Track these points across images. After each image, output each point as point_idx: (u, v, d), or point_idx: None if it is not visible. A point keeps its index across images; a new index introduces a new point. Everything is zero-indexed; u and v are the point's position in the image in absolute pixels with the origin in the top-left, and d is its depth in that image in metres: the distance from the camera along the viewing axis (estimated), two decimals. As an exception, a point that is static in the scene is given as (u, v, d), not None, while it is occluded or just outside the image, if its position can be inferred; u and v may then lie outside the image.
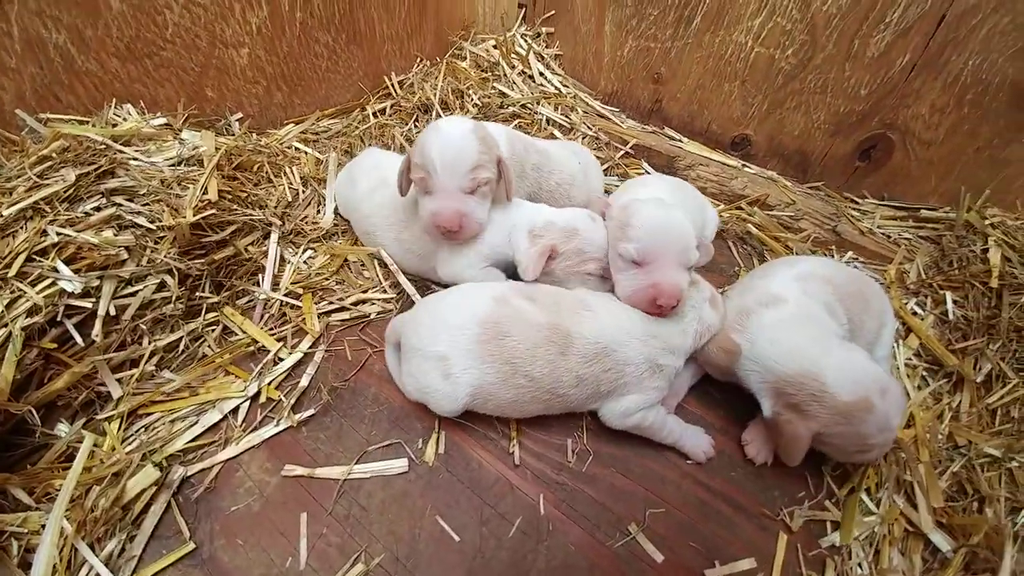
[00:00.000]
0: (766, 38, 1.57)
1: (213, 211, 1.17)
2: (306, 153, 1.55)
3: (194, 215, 1.13)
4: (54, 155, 1.07)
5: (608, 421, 1.05)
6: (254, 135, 1.52)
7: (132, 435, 1.03)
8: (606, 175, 1.75)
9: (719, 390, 1.20)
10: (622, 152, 1.81)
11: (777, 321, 1.05)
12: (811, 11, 1.48)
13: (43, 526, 0.86)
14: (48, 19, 1.14)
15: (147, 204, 1.13)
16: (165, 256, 1.11)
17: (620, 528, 0.98)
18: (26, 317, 0.93)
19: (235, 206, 1.25)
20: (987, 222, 1.48)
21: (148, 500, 0.93)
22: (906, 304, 1.44)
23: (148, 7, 1.26)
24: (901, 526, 1.05)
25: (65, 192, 1.03)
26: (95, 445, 0.97)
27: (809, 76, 1.56)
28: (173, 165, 1.22)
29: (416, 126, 1.75)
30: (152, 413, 1.07)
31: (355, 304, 1.27)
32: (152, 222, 1.11)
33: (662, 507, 1.01)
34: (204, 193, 1.18)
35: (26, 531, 0.86)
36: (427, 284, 1.34)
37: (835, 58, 1.51)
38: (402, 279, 1.29)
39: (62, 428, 0.99)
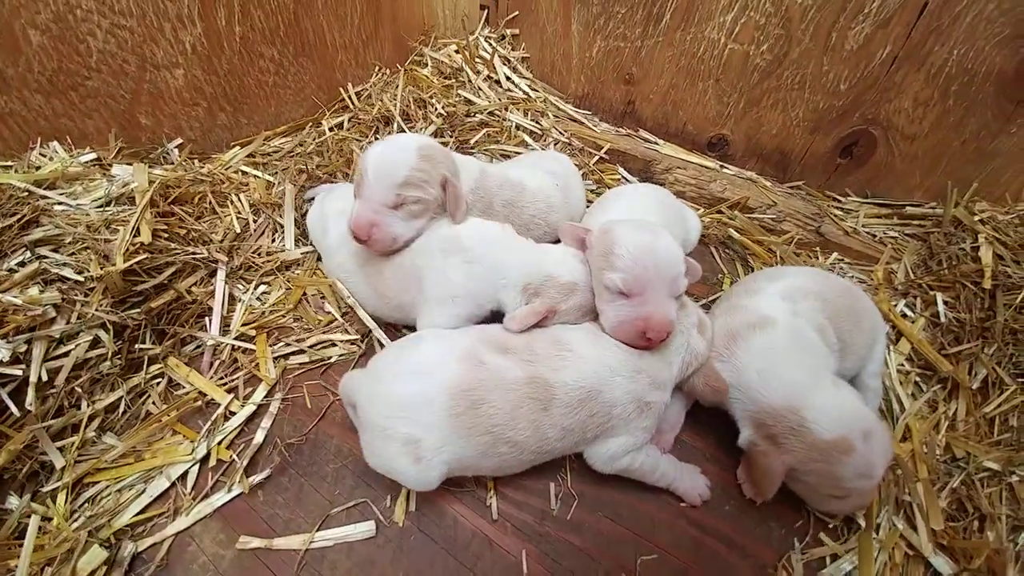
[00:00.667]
0: (739, 34, 1.50)
1: (147, 254, 1.07)
2: (256, 177, 1.44)
3: (125, 260, 1.03)
4: (-30, 208, 0.96)
5: (595, 465, 0.98)
6: (196, 161, 1.41)
7: (80, 507, 0.95)
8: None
9: (708, 415, 1.13)
10: (596, 158, 1.74)
11: (767, 349, 0.99)
12: (785, 4, 1.41)
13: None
14: (-34, 64, 1.04)
15: (74, 253, 1.04)
16: (96, 309, 1.01)
17: (610, 581, 0.91)
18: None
19: (173, 245, 1.15)
20: (976, 217, 1.44)
21: None
22: (895, 306, 1.40)
23: (70, 37, 1.17)
24: (901, 550, 1.01)
25: (-13, 249, 0.92)
26: (45, 519, 0.91)
27: (785, 72, 1.50)
28: (101, 206, 1.11)
29: (376, 138, 1.64)
30: (98, 482, 0.98)
31: (315, 347, 1.18)
32: (80, 273, 1.01)
33: (654, 553, 0.95)
34: (136, 235, 1.08)
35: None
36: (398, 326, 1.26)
37: (812, 52, 1.45)
38: (364, 316, 1.19)
39: (12, 501, 0.92)
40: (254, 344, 1.16)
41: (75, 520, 0.92)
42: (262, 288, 1.28)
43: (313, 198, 1.41)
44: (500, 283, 1.08)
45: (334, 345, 1.19)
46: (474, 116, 1.75)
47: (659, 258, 0.96)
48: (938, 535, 1.02)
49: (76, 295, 1.01)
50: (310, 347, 1.17)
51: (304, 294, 1.28)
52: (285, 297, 1.26)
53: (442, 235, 1.12)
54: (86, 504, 0.95)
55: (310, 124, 1.67)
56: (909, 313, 1.40)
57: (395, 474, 0.89)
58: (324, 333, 1.19)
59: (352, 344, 1.19)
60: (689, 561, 0.95)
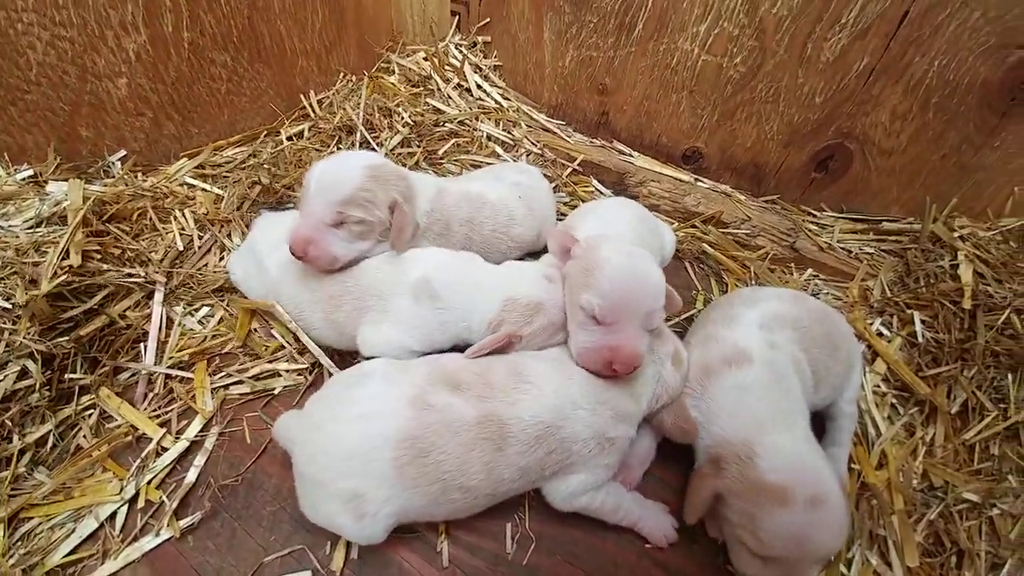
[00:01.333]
0: (713, 44, 1.46)
1: (74, 278, 1.01)
2: (203, 190, 1.38)
3: (51, 286, 0.97)
4: None
5: (553, 502, 0.93)
6: (139, 175, 1.35)
7: (16, 542, 0.90)
8: (554, 193, 1.62)
9: (678, 447, 1.08)
10: (569, 170, 1.69)
11: (740, 387, 0.95)
12: (759, 14, 1.38)
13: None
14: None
15: (1, 279, 0.97)
16: (24, 338, 0.95)
17: (566, 631, 0.86)
18: None
19: (106, 266, 1.09)
20: (955, 234, 1.41)
21: None
22: (871, 324, 1.37)
23: (9, 51, 1.12)
24: (875, 588, 0.97)
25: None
26: None
27: (760, 84, 1.47)
28: (32, 227, 1.05)
29: (338, 149, 1.59)
30: (31, 518, 0.93)
31: (258, 377, 1.12)
32: (7, 299, 0.95)
33: (614, 600, 0.90)
34: (65, 258, 1.01)
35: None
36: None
37: (787, 64, 1.42)
38: (311, 345, 1.12)
39: None
40: (192, 373, 1.10)
41: (11, 556, 0.88)
42: (204, 311, 1.21)
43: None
44: (463, 326, 1.04)
45: (279, 375, 1.12)
46: (443, 125, 1.70)
47: (640, 289, 0.92)
48: (913, 572, 0.98)
49: (4, 323, 0.95)
50: (252, 377, 1.11)
51: (251, 319, 1.21)
52: (231, 322, 1.19)
53: (416, 279, 1.05)
54: (20, 541, 0.91)
55: (266, 133, 1.60)
56: (885, 332, 1.37)
57: (336, 529, 0.84)
58: (270, 363, 1.13)
59: (299, 375, 1.13)
60: (650, 605, 0.90)
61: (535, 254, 1.36)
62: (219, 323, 1.19)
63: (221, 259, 1.30)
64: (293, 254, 1.03)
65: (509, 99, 1.86)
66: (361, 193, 1.03)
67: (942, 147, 1.41)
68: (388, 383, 0.88)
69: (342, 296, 1.06)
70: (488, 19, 1.86)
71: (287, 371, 1.13)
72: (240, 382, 1.10)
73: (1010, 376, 1.20)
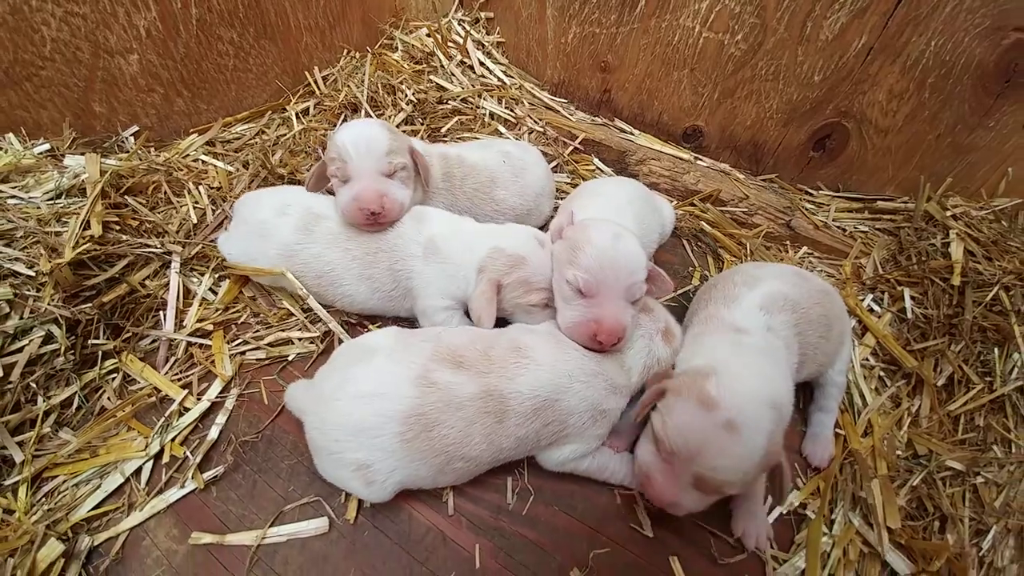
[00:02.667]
0: (714, 22, 1.51)
1: (96, 247, 1.08)
2: (215, 167, 1.44)
3: (74, 255, 1.04)
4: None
5: (545, 465, 1.02)
6: (152, 150, 1.41)
7: (40, 499, 0.98)
8: (555, 172, 1.69)
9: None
10: (571, 148, 1.75)
11: (732, 342, 1.00)
12: (760, -9, 1.42)
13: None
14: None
15: (25, 248, 1.05)
16: (49, 304, 1.02)
17: (563, 575, 0.95)
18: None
19: (125, 237, 1.16)
20: (948, 213, 1.47)
21: (60, 570, 0.89)
22: (862, 300, 1.44)
23: (24, 27, 1.17)
24: (857, 547, 1.04)
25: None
26: (8, 511, 0.94)
27: (760, 62, 1.52)
28: (52, 199, 1.12)
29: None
30: (56, 476, 1.00)
31: (272, 344, 1.19)
32: (31, 267, 1.03)
33: (607, 547, 0.99)
34: (86, 228, 1.09)
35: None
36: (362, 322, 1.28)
37: (787, 42, 1.47)
38: (321, 311, 1.20)
39: None
40: (210, 340, 1.18)
41: (34, 513, 0.95)
42: (217, 278, 1.28)
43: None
44: (462, 275, 1.13)
45: (292, 343, 1.20)
46: (446, 103, 1.75)
47: (619, 262, 0.99)
48: (895, 533, 1.04)
49: (28, 290, 1.02)
50: (268, 344, 1.19)
51: (245, 286, 1.29)
52: (233, 289, 1.27)
53: (423, 239, 1.17)
54: (44, 498, 0.98)
55: (272, 110, 1.66)
56: (876, 308, 1.44)
57: (347, 490, 0.94)
58: (282, 331, 1.21)
59: (311, 343, 1.21)
60: (642, 553, 0.99)
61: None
62: (224, 294, 1.26)
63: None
64: (370, 215, 1.12)
65: (512, 76, 1.90)
66: (394, 143, 1.17)
67: (937, 127, 1.46)
68: (392, 361, 0.94)
69: (377, 253, 1.16)
70: (491, -5, 1.90)
71: (299, 339, 1.20)
72: (256, 348, 1.18)
73: (996, 350, 1.27)
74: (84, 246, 1.07)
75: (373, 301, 1.19)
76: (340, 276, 1.16)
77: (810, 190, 1.67)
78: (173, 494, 0.99)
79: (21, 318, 1.00)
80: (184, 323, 1.20)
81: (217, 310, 1.23)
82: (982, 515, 1.11)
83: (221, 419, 1.07)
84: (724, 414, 0.82)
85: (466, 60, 1.88)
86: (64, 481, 1.00)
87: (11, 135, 1.23)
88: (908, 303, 1.39)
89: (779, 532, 1.04)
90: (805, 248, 1.57)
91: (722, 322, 1.07)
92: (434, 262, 1.15)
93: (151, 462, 1.03)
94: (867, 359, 1.35)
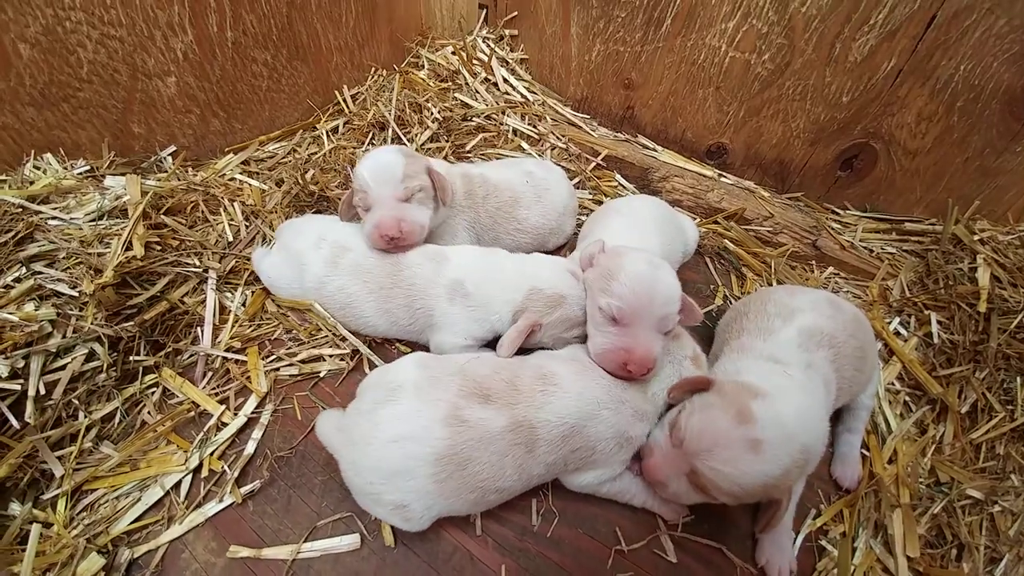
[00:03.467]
0: (741, 42, 1.52)
1: (138, 266, 1.13)
2: (249, 185, 1.49)
3: (116, 275, 1.10)
4: (-34, 224, 1.03)
5: (569, 487, 1.06)
6: (189, 169, 1.47)
7: (79, 514, 1.02)
8: (578, 189, 1.72)
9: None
10: (593, 164, 1.78)
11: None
12: (789, 12, 1.44)
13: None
14: (-43, 80, 1.09)
15: (67, 268, 1.10)
16: (91, 323, 1.08)
17: (585, 597, 0.98)
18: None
19: (166, 255, 1.21)
20: (976, 237, 1.47)
21: None
22: (888, 324, 1.44)
23: (60, 49, 1.21)
24: (877, 573, 1.06)
25: (-18, 268, 0.99)
26: (46, 525, 0.98)
27: (787, 82, 1.53)
28: (94, 220, 1.17)
29: (373, 145, 1.69)
30: (96, 489, 1.05)
31: (306, 361, 1.24)
32: (74, 287, 1.08)
33: (630, 571, 1.02)
34: (128, 248, 1.14)
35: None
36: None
37: (815, 63, 1.48)
38: (351, 338, 1.26)
39: (14, 508, 0.99)
40: (245, 356, 1.23)
41: (74, 527, 0.99)
42: (248, 295, 1.34)
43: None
44: (494, 319, 1.16)
45: (324, 360, 1.25)
46: (471, 120, 1.79)
47: (655, 294, 1.01)
48: (914, 561, 1.06)
49: (71, 310, 1.07)
50: (300, 361, 1.24)
51: (268, 299, 1.34)
52: (260, 307, 1.32)
53: (447, 281, 1.18)
54: (84, 512, 1.02)
55: (303, 129, 1.71)
56: (903, 331, 1.44)
57: (388, 522, 0.99)
58: (314, 348, 1.26)
59: (341, 360, 1.26)
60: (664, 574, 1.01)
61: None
62: (250, 305, 1.31)
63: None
64: (390, 240, 1.17)
65: (535, 93, 1.93)
66: (409, 167, 1.22)
67: (965, 150, 1.47)
68: (420, 400, 0.94)
69: (392, 289, 1.19)
70: (515, 13, 1.93)
71: (330, 355, 1.25)
72: (290, 364, 1.23)
73: (1019, 379, 1.27)
74: (127, 267, 1.12)
75: (393, 332, 1.24)
76: (361, 308, 1.21)
77: (837, 209, 1.68)
78: (211, 508, 1.04)
79: (64, 337, 1.05)
80: (219, 339, 1.25)
81: (250, 326, 1.28)
82: (997, 543, 1.12)
83: (257, 434, 1.12)
84: (756, 433, 0.84)
85: (490, 77, 1.91)
86: (104, 494, 1.05)
87: (49, 155, 1.29)
88: (935, 328, 1.39)
89: (801, 561, 1.06)
90: (831, 268, 1.57)
91: (760, 354, 1.07)
92: (462, 305, 1.17)
93: (190, 476, 1.08)
94: (892, 383, 1.35)
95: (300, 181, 1.49)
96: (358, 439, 0.93)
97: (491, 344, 1.19)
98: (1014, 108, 1.37)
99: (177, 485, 1.07)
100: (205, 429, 1.12)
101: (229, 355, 1.22)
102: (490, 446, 0.92)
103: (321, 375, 1.23)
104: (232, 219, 1.42)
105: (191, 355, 1.23)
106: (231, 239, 1.37)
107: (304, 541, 1.00)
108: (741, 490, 0.86)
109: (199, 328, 1.25)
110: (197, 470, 1.09)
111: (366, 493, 0.93)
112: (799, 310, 1.13)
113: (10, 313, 0.99)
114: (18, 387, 0.97)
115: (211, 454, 1.09)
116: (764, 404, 0.88)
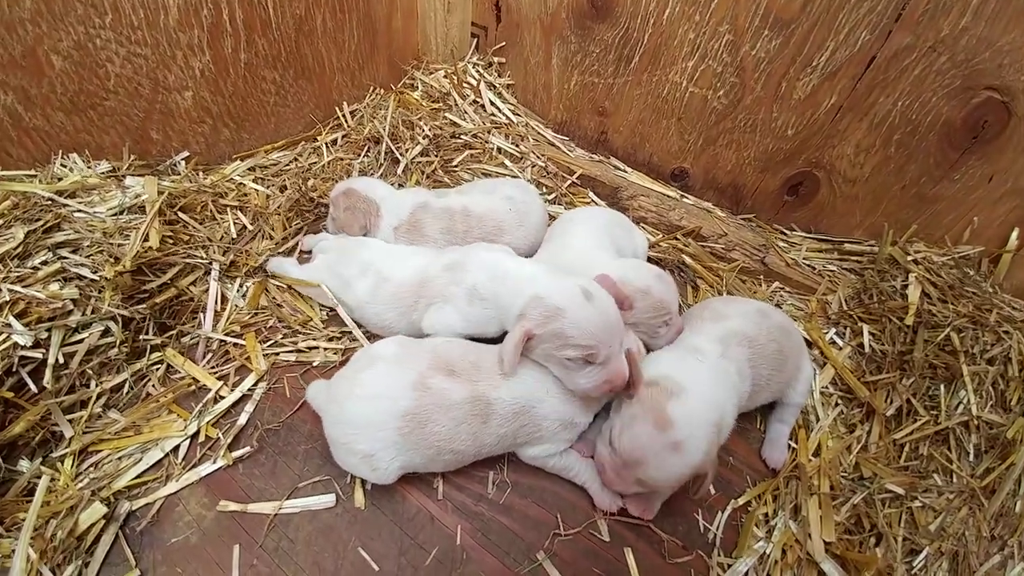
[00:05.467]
0: (699, 79, 1.72)
1: (153, 256, 1.31)
2: (256, 191, 1.68)
3: (134, 263, 1.27)
4: (4, 212, 1.20)
5: (520, 457, 1.22)
6: (200, 173, 1.66)
7: (84, 471, 1.16)
8: (553, 205, 1.90)
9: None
10: (568, 182, 1.97)
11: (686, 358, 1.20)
12: (740, 55, 1.63)
13: (13, 551, 0.99)
14: (-4, 84, 1.27)
15: (90, 255, 1.26)
16: (108, 304, 1.24)
17: (529, 555, 1.14)
18: (-14, 370, 1.06)
19: (177, 248, 1.39)
20: (910, 257, 1.63)
21: (99, 532, 1.07)
22: (825, 333, 1.61)
23: (90, 62, 1.38)
24: (795, 553, 1.19)
25: (15, 250, 1.16)
26: (52, 481, 1.11)
27: (739, 116, 1.72)
28: (116, 214, 1.35)
29: (367, 158, 1.89)
30: (101, 450, 1.20)
31: (302, 351, 1.41)
32: (95, 272, 1.24)
33: (570, 535, 1.17)
34: (145, 240, 1.32)
35: (-1, 556, 1.00)
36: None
37: (763, 100, 1.67)
38: (350, 323, 1.43)
39: (23, 464, 1.13)
40: (243, 340, 1.40)
41: (79, 482, 1.14)
42: (247, 286, 1.51)
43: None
44: (503, 317, 1.21)
45: (318, 350, 1.42)
46: (459, 138, 1.99)
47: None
48: (832, 545, 1.18)
49: (91, 291, 1.23)
50: (299, 349, 1.41)
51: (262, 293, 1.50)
52: (256, 295, 1.49)
53: (463, 290, 1.25)
54: (90, 468, 1.17)
55: (305, 140, 1.92)
56: (838, 341, 1.61)
57: (357, 475, 1.16)
58: (313, 340, 1.43)
59: (334, 353, 1.42)
60: (600, 543, 1.17)
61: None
62: (250, 297, 1.49)
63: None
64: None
65: (519, 115, 2.14)
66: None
67: (902, 179, 1.63)
68: (396, 366, 1.13)
69: (418, 301, 1.32)
70: (504, 43, 2.13)
71: (325, 349, 1.43)
72: (291, 351, 1.41)
73: (943, 387, 1.42)
74: (143, 256, 1.29)
75: (412, 331, 1.36)
76: (391, 325, 1.36)
77: (784, 230, 1.86)
78: (205, 469, 1.19)
79: (83, 315, 1.22)
80: (217, 325, 1.41)
81: (247, 313, 1.45)
82: (916, 536, 1.25)
83: (250, 407, 1.28)
84: (675, 436, 1.02)
85: (478, 100, 2.12)
86: (108, 455, 1.19)
87: (75, 155, 1.45)
88: (867, 339, 1.56)
89: (725, 538, 1.22)
90: (777, 283, 1.75)
91: (684, 346, 1.26)
92: (479, 306, 1.24)
93: (188, 441, 1.23)
94: (827, 387, 1.51)
95: (302, 188, 1.68)
96: (339, 396, 1.12)
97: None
98: (952, 139, 1.49)
99: (176, 448, 1.22)
100: (203, 401, 1.28)
101: (228, 338, 1.39)
102: (449, 412, 1.09)
103: (314, 364, 1.39)
104: (237, 219, 1.60)
105: (194, 338, 1.39)
106: (235, 236, 1.55)
107: (286, 499, 1.16)
108: (677, 482, 1.05)
109: (201, 314, 1.42)
110: (194, 436, 1.24)
111: (341, 443, 1.10)
112: (728, 317, 1.31)
113: (37, 291, 1.15)
114: (39, 355, 1.11)
115: (207, 422, 1.25)
116: (678, 404, 1.05)
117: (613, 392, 1.11)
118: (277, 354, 1.40)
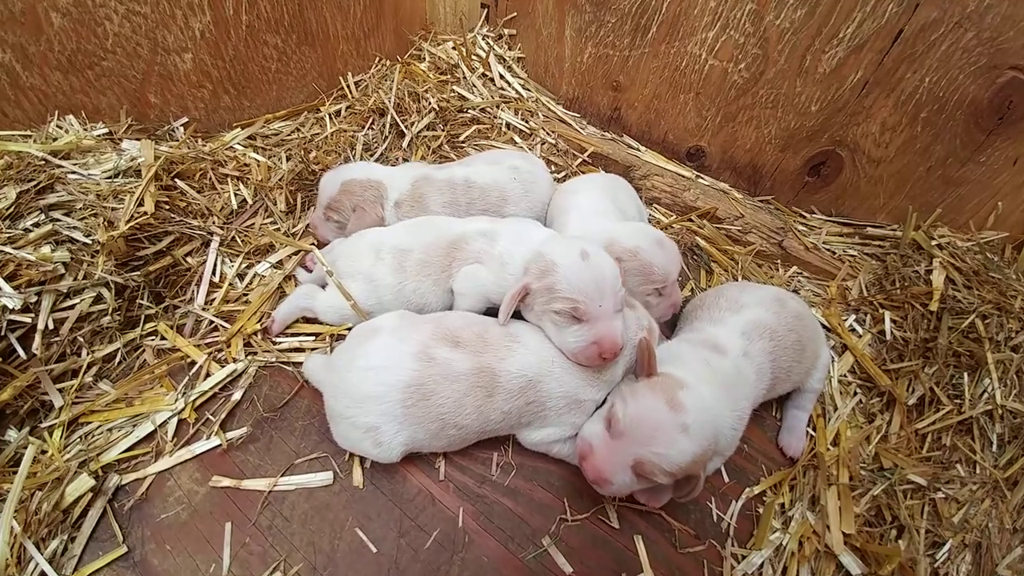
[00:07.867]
0: (719, 51, 1.64)
1: (148, 222, 1.25)
2: (257, 162, 1.61)
3: (128, 228, 1.21)
4: (-3, 172, 1.14)
5: (523, 443, 1.16)
6: (199, 140, 1.59)
7: (73, 442, 1.11)
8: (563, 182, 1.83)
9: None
10: (580, 160, 1.89)
11: (706, 360, 1.13)
12: (764, 25, 1.55)
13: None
14: (-7, 41, 1.21)
15: (83, 218, 1.21)
16: (101, 270, 1.19)
17: (534, 541, 1.08)
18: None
19: (173, 215, 1.33)
20: (934, 242, 1.57)
21: (86, 505, 1.03)
22: (845, 320, 1.54)
23: (88, 20, 1.33)
24: (813, 545, 1.14)
25: (6, 210, 1.10)
26: (40, 451, 1.07)
27: (761, 90, 1.64)
28: (110, 177, 1.29)
29: (372, 131, 1.82)
30: (91, 422, 1.15)
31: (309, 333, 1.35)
32: (88, 236, 1.19)
33: (577, 520, 1.11)
34: (140, 205, 1.26)
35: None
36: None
37: (786, 73, 1.59)
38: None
39: (11, 434, 1.09)
40: (240, 317, 1.34)
41: (68, 453, 1.09)
42: (247, 264, 1.45)
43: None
44: (511, 277, 1.19)
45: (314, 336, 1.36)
46: (466, 112, 1.91)
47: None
48: (851, 538, 1.13)
49: (84, 255, 1.18)
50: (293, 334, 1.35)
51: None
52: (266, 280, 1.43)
53: (495, 257, 1.23)
54: (78, 440, 1.12)
55: (308, 110, 1.84)
56: (858, 328, 1.54)
57: (360, 452, 1.09)
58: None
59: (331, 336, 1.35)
60: (609, 529, 1.11)
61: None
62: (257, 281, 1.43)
63: (274, 220, 1.56)
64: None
65: (529, 90, 2.06)
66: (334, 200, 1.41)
67: (928, 159, 1.56)
68: (396, 339, 1.08)
69: (450, 265, 1.26)
70: (515, 13, 2.05)
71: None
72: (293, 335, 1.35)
73: (967, 375, 1.36)
74: (137, 220, 1.24)
75: (446, 307, 1.31)
76: (429, 301, 1.29)
77: (804, 213, 1.79)
78: (199, 445, 1.14)
79: (75, 280, 1.16)
80: (213, 299, 1.36)
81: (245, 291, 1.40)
82: (939, 528, 1.19)
83: (245, 381, 1.23)
84: (686, 418, 0.95)
85: (488, 73, 2.04)
86: (98, 427, 1.15)
87: (71, 117, 1.39)
88: (888, 325, 1.49)
89: (739, 527, 1.16)
90: (795, 268, 1.68)
91: (706, 333, 1.20)
92: (499, 273, 1.21)
93: (177, 418, 1.18)
94: (845, 375, 1.45)
95: (304, 159, 1.61)
96: (339, 368, 1.08)
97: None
98: (979, 119, 1.44)
99: (166, 423, 1.17)
100: (190, 373, 1.22)
101: (224, 312, 1.34)
102: (453, 384, 1.04)
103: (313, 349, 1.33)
104: (238, 191, 1.53)
105: (189, 310, 1.34)
106: (235, 208, 1.49)
107: (281, 475, 1.11)
108: (678, 469, 0.95)
109: (196, 287, 1.36)
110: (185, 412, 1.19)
111: (344, 417, 1.05)
112: (746, 305, 1.25)
113: (28, 253, 1.10)
114: (28, 320, 1.06)
115: (194, 400, 1.18)
116: (689, 393, 0.99)
117: (603, 359, 1.06)
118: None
